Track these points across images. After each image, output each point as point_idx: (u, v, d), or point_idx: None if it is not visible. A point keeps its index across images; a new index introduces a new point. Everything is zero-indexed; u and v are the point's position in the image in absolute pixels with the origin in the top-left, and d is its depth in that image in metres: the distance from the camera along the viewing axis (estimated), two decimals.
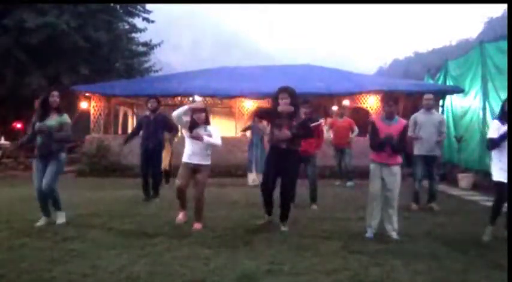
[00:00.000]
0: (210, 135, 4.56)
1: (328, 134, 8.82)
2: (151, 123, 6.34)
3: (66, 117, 4.68)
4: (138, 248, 3.74)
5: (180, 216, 4.79)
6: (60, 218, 4.72)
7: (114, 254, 3.56)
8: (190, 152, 4.59)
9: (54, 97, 4.59)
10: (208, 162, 4.68)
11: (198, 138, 4.49)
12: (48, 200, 4.67)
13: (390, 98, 4.53)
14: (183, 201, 4.76)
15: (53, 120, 4.56)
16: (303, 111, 5.89)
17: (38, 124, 4.51)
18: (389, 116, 4.35)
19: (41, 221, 4.62)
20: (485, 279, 3.08)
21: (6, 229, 4.42)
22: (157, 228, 4.51)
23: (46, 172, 4.54)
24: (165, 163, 7.98)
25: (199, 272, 3.12)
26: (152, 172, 6.40)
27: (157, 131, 6.37)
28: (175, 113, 4.52)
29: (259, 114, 4.83)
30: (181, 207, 4.81)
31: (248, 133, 9.06)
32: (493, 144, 4.15)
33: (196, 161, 4.58)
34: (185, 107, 4.56)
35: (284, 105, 4.38)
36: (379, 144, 4.23)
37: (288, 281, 3.00)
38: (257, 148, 8.34)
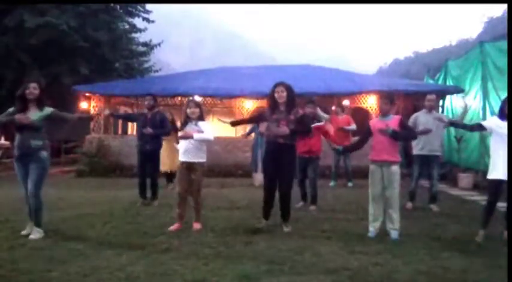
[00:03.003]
0: (201, 131, 4.51)
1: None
2: (147, 122, 6.12)
3: (48, 109, 4.20)
4: (138, 248, 3.74)
5: (174, 226, 4.52)
6: (37, 234, 4.10)
7: (114, 254, 3.56)
8: (184, 150, 4.57)
9: (31, 89, 4.07)
10: (203, 160, 4.61)
11: (187, 137, 4.47)
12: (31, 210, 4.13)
13: (386, 96, 4.61)
14: (181, 211, 4.57)
15: (32, 115, 4.10)
16: (307, 111, 5.88)
17: (18, 115, 4.02)
18: (384, 114, 4.43)
19: (28, 229, 4.21)
20: (485, 279, 3.09)
21: (6, 229, 4.42)
22: (157, 228, 4.51)
23: (29, 178, 4.08)
24: (171, 165, 7.51)
25: (199, 272, 3.12)
26: (150, 173, 6.18)
27: (154, 130, 6.12)
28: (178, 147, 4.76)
29: (252, 120, 4.79)
30: (178, 217, 4.57)
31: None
32: (475, 127, 4.48)
33: (189, 158, 4.54)
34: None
35: (280, 96, 4.42)
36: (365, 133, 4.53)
37: (288, 281, 3.00)
38: (262, 147, 8.13)
